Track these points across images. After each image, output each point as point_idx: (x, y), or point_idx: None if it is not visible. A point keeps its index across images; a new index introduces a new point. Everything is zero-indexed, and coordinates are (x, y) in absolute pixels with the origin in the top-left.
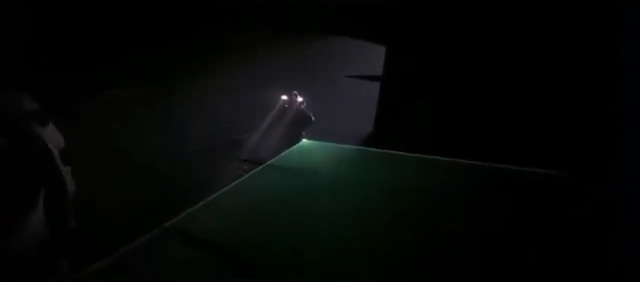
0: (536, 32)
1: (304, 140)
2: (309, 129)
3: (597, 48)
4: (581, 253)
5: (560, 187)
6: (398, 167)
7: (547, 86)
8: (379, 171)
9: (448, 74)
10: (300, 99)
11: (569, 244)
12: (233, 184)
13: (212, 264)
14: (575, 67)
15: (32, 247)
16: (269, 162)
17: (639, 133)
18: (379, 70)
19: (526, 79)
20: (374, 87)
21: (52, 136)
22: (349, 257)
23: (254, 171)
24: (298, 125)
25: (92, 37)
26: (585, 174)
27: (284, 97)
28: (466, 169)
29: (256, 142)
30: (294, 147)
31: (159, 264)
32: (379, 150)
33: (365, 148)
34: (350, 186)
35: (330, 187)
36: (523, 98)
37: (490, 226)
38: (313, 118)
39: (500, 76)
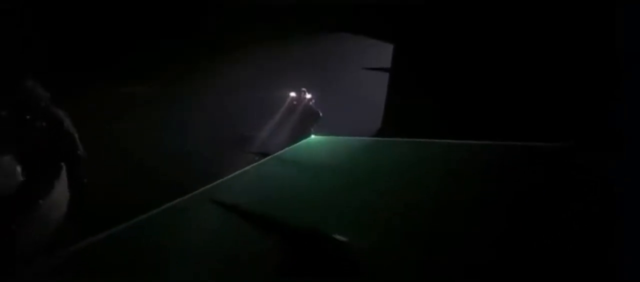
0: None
1: (312, 136)
2: (317, 125)
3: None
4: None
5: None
6: (406, 153)
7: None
8: (389, 158)
9: (458, 70)
10: (308, 95)
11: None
12: (236, 173)
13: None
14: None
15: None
16: (275, 154)
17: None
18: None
19: (529, 68)
20: (382, 85)
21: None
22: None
23: (259, 162)
24: (306, 121)
25: (99, 35)
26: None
27: (293, 94)
28: (479, 149)
29: (265, 138)
30: (302, 141)
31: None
32: (388, 138)
33: (374, 138)
34: (358, 175)
35: (336, 177)
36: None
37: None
38: (321, 114)
39: (506, 67)
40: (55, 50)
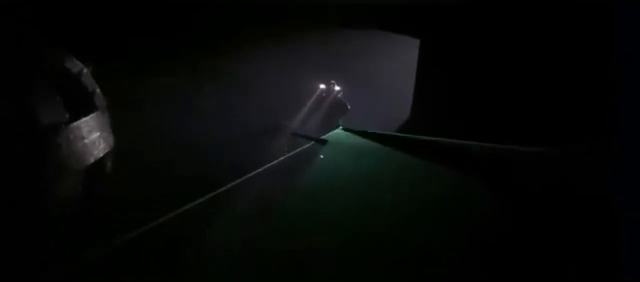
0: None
1: (340, 126)
2: (344, 116)
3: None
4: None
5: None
6: (428, 152)
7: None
8: (409, 157)
9: (481, 65)
10: (337, 88)
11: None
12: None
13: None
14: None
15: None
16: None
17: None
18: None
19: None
20: (409, 80)
21: None
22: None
23: (287, 155)
24: (334, 112)
25: (131, 25)
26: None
27: (322, 86)
28: (497, 153)
29: (295, 127)
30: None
31: None
32: (412, 135)
33: (398, 134)
34: (378, 170)
35: (356, 175)
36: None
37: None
38: (349, 106)
39: (531, 65)
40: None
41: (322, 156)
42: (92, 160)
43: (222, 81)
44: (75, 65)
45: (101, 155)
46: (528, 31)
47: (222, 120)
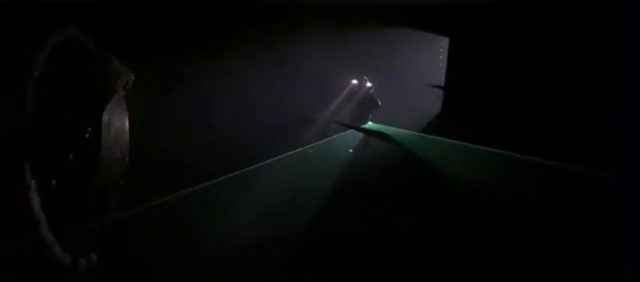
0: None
1: (369, 122)
2: (375, 112)
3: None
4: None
5: None
6: (450, 155)
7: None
8: (431, 157)
9: (509, 65)
10: (369, 84)
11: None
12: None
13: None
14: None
15: None
16: (328, 139)
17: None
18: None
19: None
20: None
21: None
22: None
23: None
24: (365, 108)
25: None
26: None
27: (354, 81)
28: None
29: (326, 120)
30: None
31: None
32: (435, 137)
33: (423, 134)
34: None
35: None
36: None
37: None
38: (379, 102)
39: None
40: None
41: (350, 150)
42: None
43: (256, 73)
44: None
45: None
46: (556, 32)
47: (255, 110)
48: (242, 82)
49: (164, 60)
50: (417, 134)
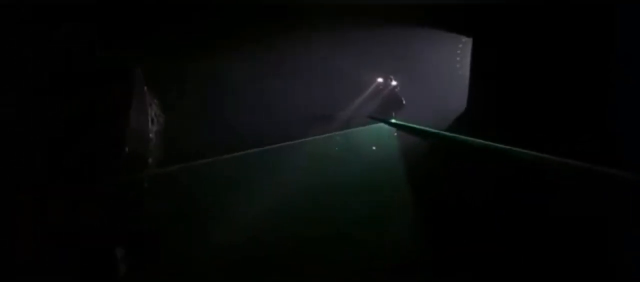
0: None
1: (392, 120)
2: (399, 112)
3: None
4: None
5: None
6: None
7: None
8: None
9: (534, 66)
10: (394, 83)
11: None
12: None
13: None
14: None
15: None
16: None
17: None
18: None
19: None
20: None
21: None
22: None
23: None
24: (389, 107)
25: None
26: None
27: (380, 79)
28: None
29: (347, 117)
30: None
31: None
32: (460, 136)
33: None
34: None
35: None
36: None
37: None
38: (404, 102)
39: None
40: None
41: (374, 148)
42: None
43: (281, 69)
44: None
45: None
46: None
47: (276, 106)
48: (269, 76)
49: (197, 51)
50: (440, 132)
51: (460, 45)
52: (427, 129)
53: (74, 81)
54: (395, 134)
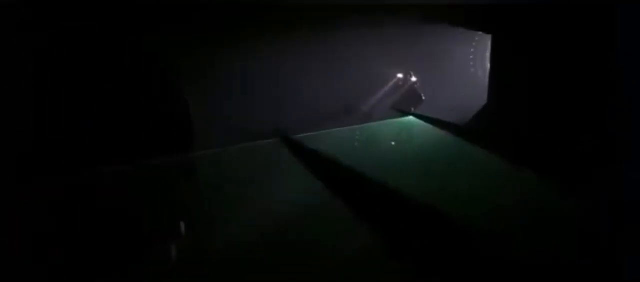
0: None
1: (412, 116)
2: (419, 107)
3: None
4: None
5: None
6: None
7: None
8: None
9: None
10: (414, 78)
11: None
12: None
13: None
14: None
15: None
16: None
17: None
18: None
19: None
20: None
21: None
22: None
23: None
24: (408, 101)
25: None
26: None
27: (400, 75)
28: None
29: (367, 111)
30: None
31: None
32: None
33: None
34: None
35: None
36: None
37: None
38: (424, 97)
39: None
40: None
41: (393, 143)
42: None
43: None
44: None
45: None
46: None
47: (296, 100)
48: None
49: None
50: (459, 127)
51: (478, 42)
52: (449, 122)
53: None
54: (418, 127)
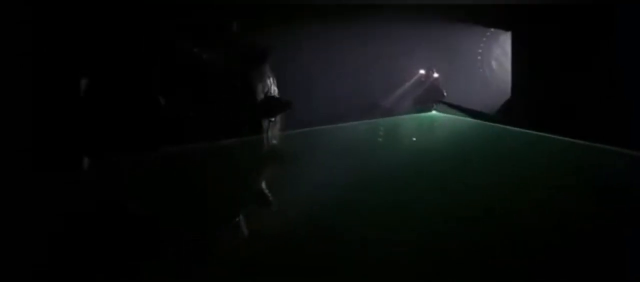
0: None
1: (434, 111)
2: (440, 102)
3: None
4: None
5: None
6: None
7: None
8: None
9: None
10: (436, 75)
11: None
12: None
13: None
14: None
15: None
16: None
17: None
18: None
19: None
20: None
21: None
22: None
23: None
24: (430, 98)
25: None
26: None
27: (422, 71)
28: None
29: (389, 106)
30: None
31: None
32: (503, 126)
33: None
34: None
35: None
36: None
37: None
38: (445, 94)
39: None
40: None
41: (414, 138)
42: None
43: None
44: None
45: None
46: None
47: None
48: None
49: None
50: (481, 123)
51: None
52: (473, 118)
53: None
54: (439, 121)
